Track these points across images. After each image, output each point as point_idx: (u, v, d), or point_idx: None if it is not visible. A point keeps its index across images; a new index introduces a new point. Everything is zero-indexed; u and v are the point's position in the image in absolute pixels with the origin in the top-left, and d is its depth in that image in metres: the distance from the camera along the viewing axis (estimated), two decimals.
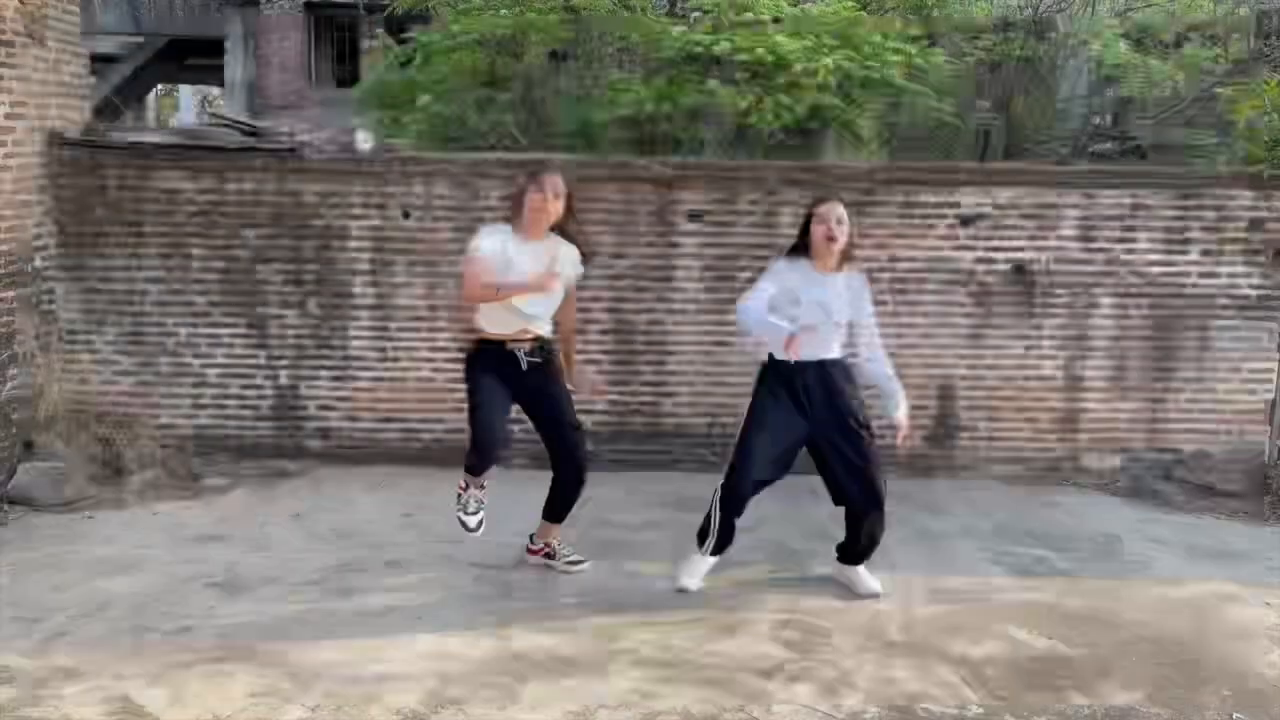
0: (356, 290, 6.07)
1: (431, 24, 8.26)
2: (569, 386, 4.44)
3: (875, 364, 4.36)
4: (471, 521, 4.47)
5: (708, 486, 5.94)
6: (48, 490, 5.29)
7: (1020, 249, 6.06)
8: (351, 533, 5.04)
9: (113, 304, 6.06)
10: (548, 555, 4.61)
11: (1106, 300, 6.11)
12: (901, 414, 4.33)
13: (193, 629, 3.92)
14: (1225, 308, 6.12)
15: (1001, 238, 6.06)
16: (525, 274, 4.16)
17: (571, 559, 4.59)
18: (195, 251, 6.03)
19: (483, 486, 4.49)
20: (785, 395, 4.23)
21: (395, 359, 6.13)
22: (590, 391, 4.62)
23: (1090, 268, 6.09)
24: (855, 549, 4.40)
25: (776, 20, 6.71)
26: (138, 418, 6.03)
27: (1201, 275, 6.10)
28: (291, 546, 4.84)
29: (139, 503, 5.43)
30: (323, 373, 6.14)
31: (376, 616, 4.07)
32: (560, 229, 4.33)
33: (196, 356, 6.12)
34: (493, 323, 4.30)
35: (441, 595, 4.30)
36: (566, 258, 4.30)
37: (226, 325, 6.10)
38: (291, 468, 6.02)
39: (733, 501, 4.33)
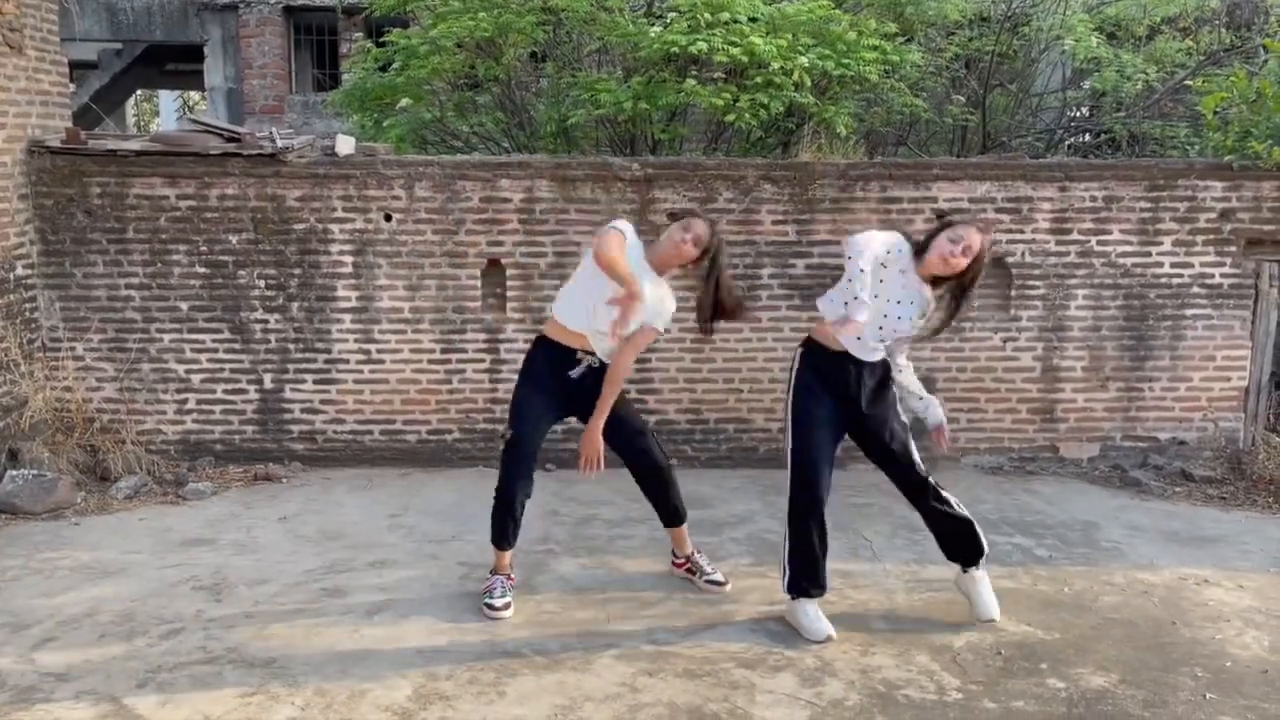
0: (339, 293, 6.11)
1: (410, 27, 8.29)
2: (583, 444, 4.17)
3: (908, 374, 4.17)
4: (498, 603, 4.11)
5: (691, 483, 6.02)
6: (33, 498, 5.31)
7: (996, 242, 6.14)
8: (338, 534, 5.08)
9: (95, 311, 6.08)
10: (689, 570, 4.46)
11: (1082, 292, 6.20)
12: (942, 419, 4.17)
13: (181, 632, 3.95)
14: (1198, 297, 6.22)
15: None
16: (658, 316, 4.08)
17: (712, 578, 4.39)
18: (177, 257, 6.05)
19: (510, 577, 4.26)
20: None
21: (379, 361, 6.17)
22: (584, 464, 4.20)
23: (1065, 260, 6.17)
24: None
25: (753, 20, 6.76)
26: (122, 424, 6.05)
27: (1174, 266, 6.19)
28: (278, 549, 4.87)
29: (125, 508, 5.45)
30: (307, 376, 6.17)
31: (364, 616, 4.11)
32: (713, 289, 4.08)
33: (180, 362, 6.14)
34: (569, 315, 4.08)
35: (429, 594, 4.34)
36: (663, 303, 4.11)
37: (210, 330, 6.12)
38: (277, 471, 6.06)
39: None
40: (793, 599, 4.03)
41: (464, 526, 5.16)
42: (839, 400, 3.96)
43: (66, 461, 5.67)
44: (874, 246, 3.74)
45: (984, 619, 4.08)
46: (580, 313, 4.07)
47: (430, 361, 6.17)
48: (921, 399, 4.16)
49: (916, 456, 4.04)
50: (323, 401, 6.19)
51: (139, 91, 22.17)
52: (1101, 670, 3.71)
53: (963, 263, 3.75)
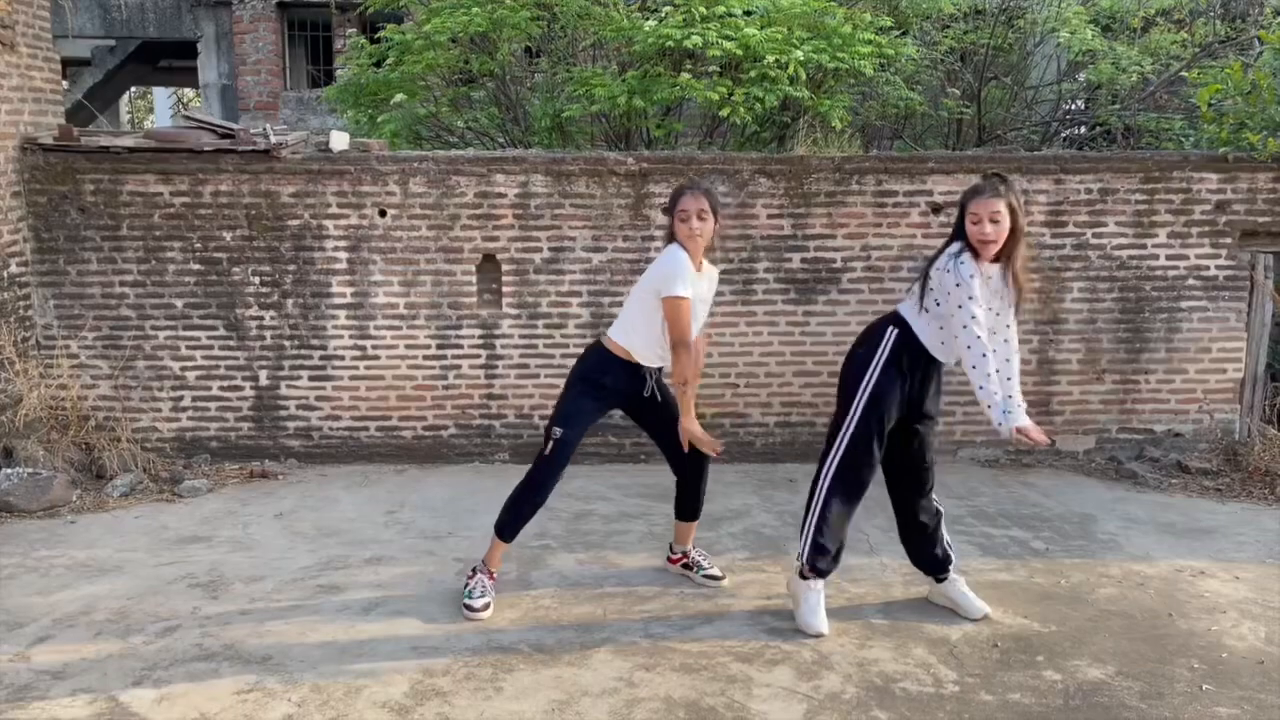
0: (334, 289, 6.10)
1: (405, 22, 8.27)
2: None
3: None
4: (477, 604, 4.06)
5: None
6: (28, 496, 5.30)
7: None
8: (334, 531, 5.07)
9: (90, 308, 6.07)
10: (686, 566, 4.46)
11: (1077, 284, 6.20)
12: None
13: (177, 629, 3.94)
14: (1193, 289, 6.22)
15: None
16: (706, 303, 4.09)
17: (709, 573, 4.40)
18: (172, 254, 6.04)
19: (492, 572, 4.20)
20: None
21: (375, 357, 6.16)
22: (708, 449, 4.11)
23: (1061, 252, 6.17)
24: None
25: (747, 13, 6.75)
26: (117, 422, 6.04)
27: (1170, 258, 6.20)
28: (274, 546, 4.86)
29: (120, 506, 5.44)
30: (302, 372, 6.16)
31: (360, 612, 4.11)
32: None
33: (175, 359, 6.13)
34: (642, 351, 4.07)
35: (425, 590, 4.33)
36: (710, 291, 4.15)
37: (205, 327, 6.11)
38: (273, 468, 6.05)
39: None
40: (804, 577, 3.97)
41: (460, 522, 5.16)
42: (905, 395, 3.89)
43: (62, 459, 5.66)
44: (974, 281, 3.64)
45: (976, 618, 4.06)
46: (652, 352, 4.08)
47: (426, 357, 6.16)
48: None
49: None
50: (318, 398, 6.18)
51: (133, 89, 22.13)
52: (1098, 662, 3.72)
53: (996, 232, 3.64)
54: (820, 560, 3.95)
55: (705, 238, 3.97)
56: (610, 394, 4.14)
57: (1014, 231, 3.69)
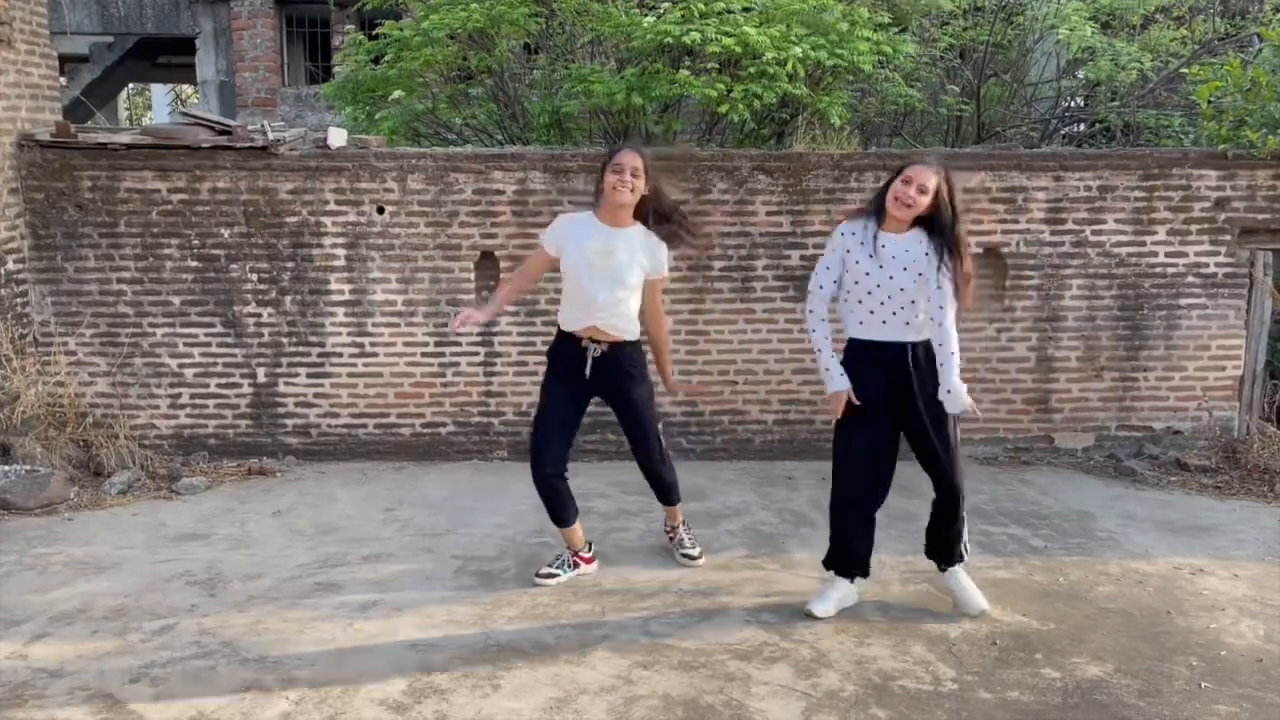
0: (332, 286, 6.08)
1: (402, 19, 8.26)
2: (669, 390, 4.32)
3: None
4: (543, 570, 4.37)
5: (687, 475, 5.99)
6: (26, 493, 5.29)
7: (991, 232, 6.13)
8: (332, 528, 5.07)
9: (87, 305, 6.06)
10: (671, 538, 4.68)
11: (1076, 281, 6.19)
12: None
13: (175, 627, 3.94)
14: (1193, 286, 6.22)
15: (972, 221, 6.12)
16: (590, 259, 4.05)
17: (687, 551, 4.58)
18: (169, 251, 6.03)
19: (577, 553, 4.41)
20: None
21: (373, 355, 6.15)
22: (687, 390, 4.33)
23: (1060, 249, 6.16)
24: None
25: (746, 10, 6.74)
26: (115, 419, 6.03)
27: (1169, 255, 6.19)
28: (272, 543, 4.86)
29: (118, 504, 5.43)
30: (300, 370, 6.15)
31: (358, 610, 4.10)
32: (654, 213, 4.13)
33: (173, 356, 6.12)
34: (567, 318, 4.21)
35: (423, 588, 4.33)
36: (643, 249, 4.12)
37: (202, 324, 6.10)
38: (271, 465, 6.04)
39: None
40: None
41: (458, 520, 5.15)
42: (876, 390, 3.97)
43: (59, 457, 5.65)
44: (832, 242, 3.96)
45: (973, 613, 4.06)
46: (573, 317, 4.18)
47: (424, 355, 6.15)
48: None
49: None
50: (316, 395, 6.17)
51: (131, 85, 22.09)
52: (1096, 660, 3.71)
53: (918, 199, 3.75)
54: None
55: (633, 194, 4.02)
56: (571, 374, 4.22)
57: (952, 213, 3.80)
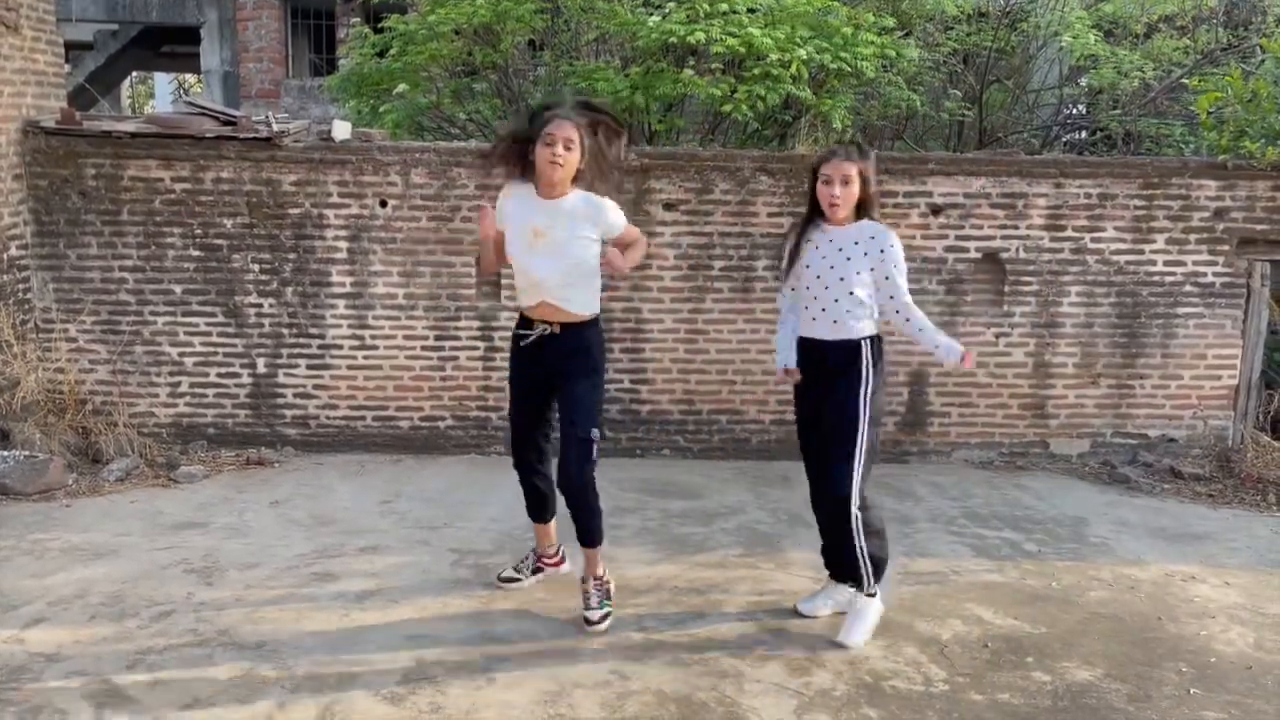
0: (334, 279, 6.10)
1: (408, 12, 8.27)
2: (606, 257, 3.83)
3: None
4: (505, 574, 4.28)
5: (683, 473, 6.03)
6: (24, 479, 5.30)
7: (990, 238, 6.16)
8: (329, 519, 5.08)
9: (89, 293, 6.07)
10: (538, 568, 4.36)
11: (1075, 288, 6.22)
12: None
13: (172, 614, 3.96)
14: (1190, 295, 6.25)
15: (972, 226, 6.15)
16: (527, 237, 3.80)
17: (588, 613, 3.96)
18: (172, 240, 6.04)
19: (541, 555, 4.26)
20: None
21: (373, 347, 6.17)
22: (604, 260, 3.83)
23: (1059, 256, 6.19)
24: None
25: (751, 11, 6.76)
26: (115, 406, 6.04)
27: (1167, 264, 6.22)
28: (270, 533, 4.88)
29: (116, 491, 5.45)
30: (300, 361, 6.17)
31: (355, 601, 4.12)
32: (593, 169, 3.84)
33: (173, 345, 6.13)
34: (520, 298, 3.97)
35: (419, 580, 4.35)
36: (585, 218, 3.82)
37: (203, 314, 6.11)
38: (269, 455, 6.06)
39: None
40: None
41: (455, 513, 5.17)
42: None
43: (58, 443, 5.66)
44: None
45: (842, 640, 3.81)
46: (527, 288, 3.92)
47: (424, 348, 6.17)
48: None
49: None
50: (316, 387, 6.19)
51: (134, 74, 22.08)
52: (1087, 664, 3.74)
53: (845, 194, 3.72)
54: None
55: (565, 168, 3.75)
56: (526, 358, 3.97)
57: (866, 198, 3.78)
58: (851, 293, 3.76)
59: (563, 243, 3.80)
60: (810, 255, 3.87)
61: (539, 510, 4.22)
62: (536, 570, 4.30)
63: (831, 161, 3.77)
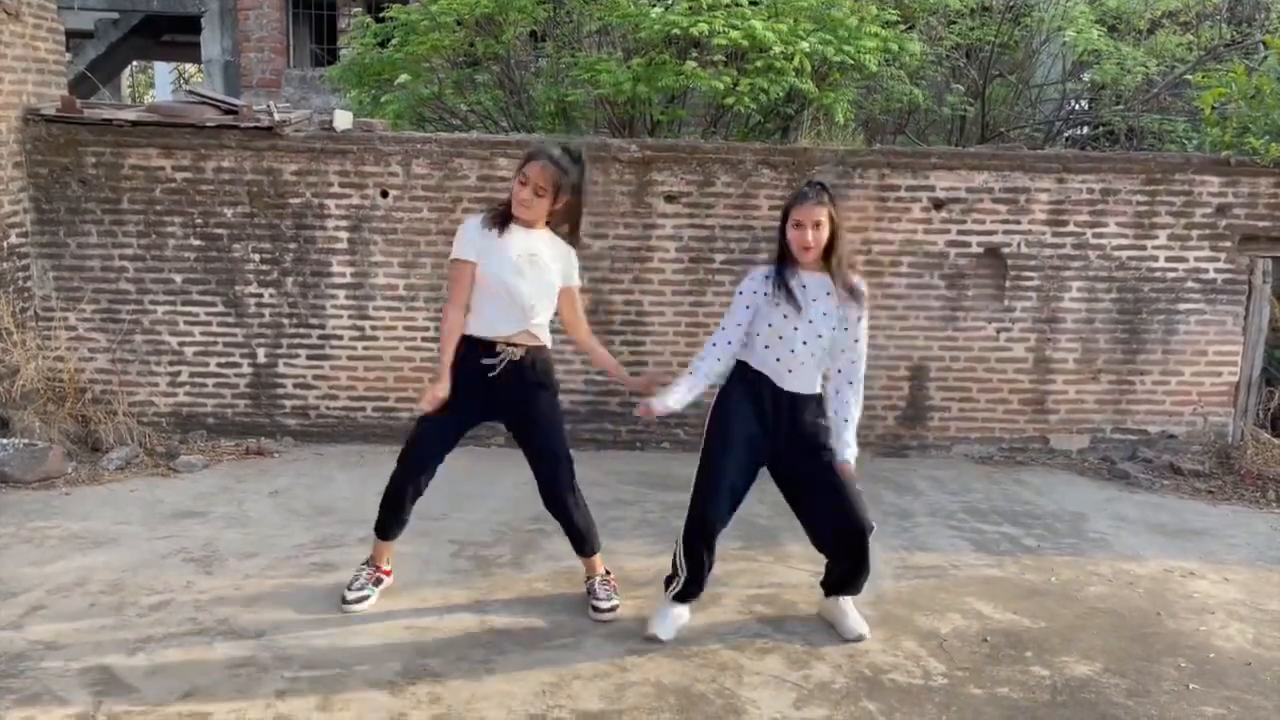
0: (334, 269, 6.09)
1: (410, 2, 8.25)
2: (634, 392, 3.84)
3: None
4: (350, 596, 3.97)
5: (682, 466, 6.01)
6: (24, 467, 5.30)
7: (992, 232, 6.15)
8: (329, 509, 5.08)
9: (89, 281, 6.06)
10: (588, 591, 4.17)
11: (1076, 284, 6.21)
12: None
13: (171, 603, 3.96)
14: (1192, 292, 6.24)
15: (974, 221, 6.14)
16: (506, 263, 3.74)
17: (597, 603, 4.00)
18: (172, 229, 6.03)
19: (379, 565, 4.07)
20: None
21: (373, 338, 6.16)
22: (643, 409, 3.77)
23: (1060, 251, 6.18)
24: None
25: (754, 3, 6.74)
26: (114, 395, 6.04)
27: (1169, 260, 6.21)
28: (269, 523, 4.87)
29: (116, 480, 5.45)
30: (300, 351, 6.16)
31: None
32: (562, 216, 3.86)
33: (173, 334, 6.12)
34: (485, 325, 3.80)
35: (419, 570, 4.35)
36: (554, 256, 3.84)
37: (203, 303, 6.10)
38: (269, 445, 6.05)
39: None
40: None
41: (455, 505, 5.17)
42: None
43: (58, 431, 5.66)
44: (740, 295, 3.78)
45: (851, 637, 3.84)
46: (504, 315, 3.81)
47: (424, 340, 6.16)
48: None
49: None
50: (316, 377, 6.19)
51: (135, 63, 22.02)
52: (1086, 659, 3.74)
53: (816, 238, 3.63)
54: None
55: (531, 212, 3.75)
56: (471, 388, 3.85)
57: (834, 239, 3.69)
58: (822, 340, 3.71)
59: (547, 268, 3.81)
60: (790, 303, 3.70)
61: (398, 528, 4.02)
62: (378, 582, 4.09)
63: (803, 206, 3.65)
